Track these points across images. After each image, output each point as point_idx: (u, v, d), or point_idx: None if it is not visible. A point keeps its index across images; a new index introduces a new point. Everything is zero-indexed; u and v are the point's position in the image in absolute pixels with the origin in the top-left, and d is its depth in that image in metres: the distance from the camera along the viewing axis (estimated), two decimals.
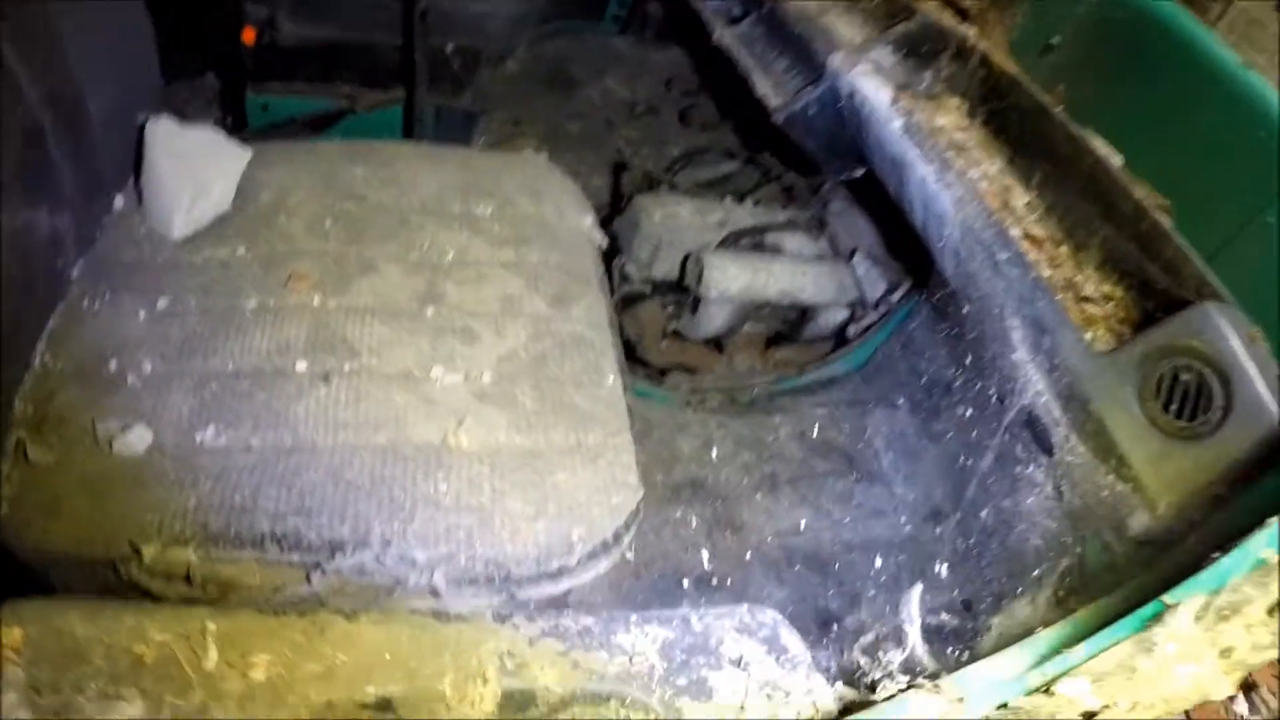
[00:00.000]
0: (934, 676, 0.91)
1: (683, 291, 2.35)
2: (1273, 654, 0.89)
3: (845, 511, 2.05)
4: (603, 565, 1.37)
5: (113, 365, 1.41)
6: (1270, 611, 0.89)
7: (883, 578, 1.89)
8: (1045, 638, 0.98)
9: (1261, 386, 1.26)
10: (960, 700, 0.86)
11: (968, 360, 1.81)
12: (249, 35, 2.36)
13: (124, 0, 1.68)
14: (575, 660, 0.91)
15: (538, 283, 1.69)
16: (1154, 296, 1.45)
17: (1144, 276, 1.48)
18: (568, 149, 3.02)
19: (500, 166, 1.97)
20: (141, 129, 1.66)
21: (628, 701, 0.87)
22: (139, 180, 1.66)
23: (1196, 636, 0.88)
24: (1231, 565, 0.91)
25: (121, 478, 1.27)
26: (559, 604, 1.37)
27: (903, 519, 2.00)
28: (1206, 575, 0.91)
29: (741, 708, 0.89)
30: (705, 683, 0.92)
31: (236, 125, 2.56)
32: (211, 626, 0.85)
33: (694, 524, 2.01)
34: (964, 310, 1.76)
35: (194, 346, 1.45)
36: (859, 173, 2.04)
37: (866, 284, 2.32)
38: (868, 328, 2.30)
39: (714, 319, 2.33)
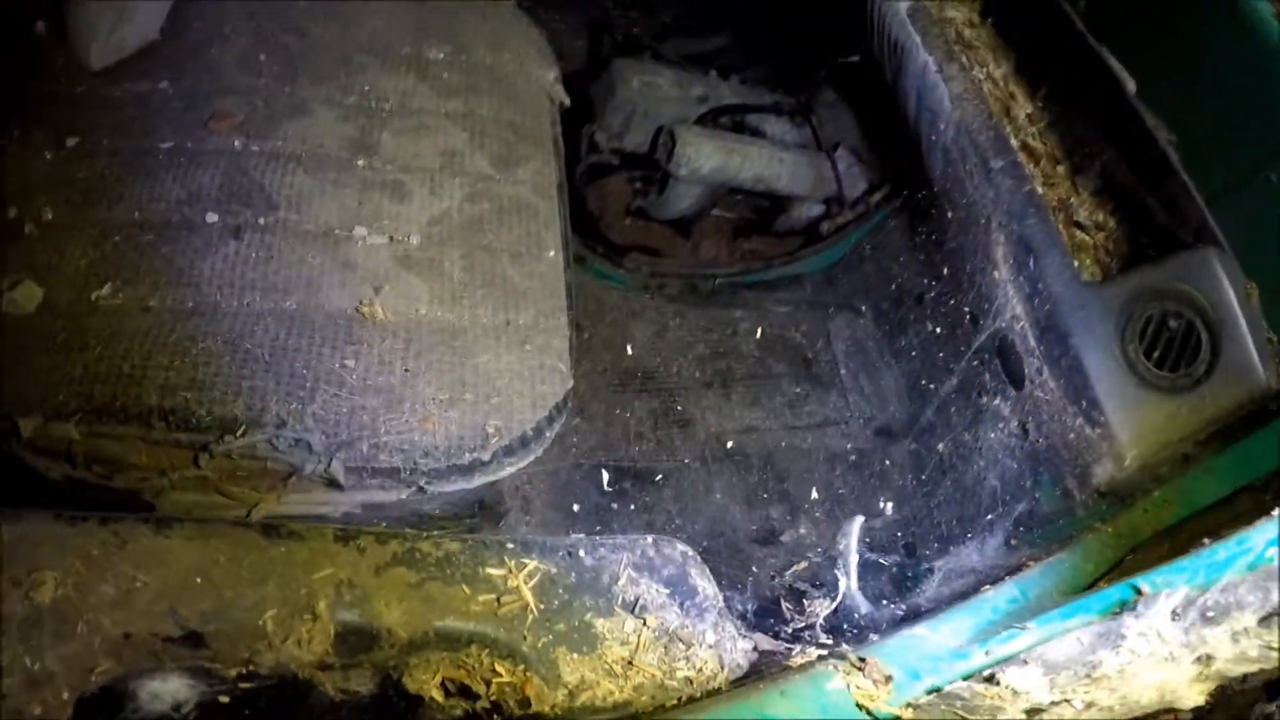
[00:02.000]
0: (860, 637, 0.81)
1: (653, 167, 2.19)
2: (1259, 668, 0.77)
3: (797, 417, 1.96)
4: (520, 461, 1.27)
5: (11, 211, 1.28)
6: (1264, 621, 0.78)
7: (828, 493, 1.81)
8: (991, 600, 0.89)
9: (1251, 345, 1.19)
10: (887, 680, 0.76)
11: (944, 272, 1.71)
12: None
13: None
14: (429, 595, 0.79)
15: (483, 139, 1.54)
16: (1150, 233, 1.35)
17: (1142, 210, 1.38)
18: (548, 3, 2.81)
19: (460, 7, 1.79)
20: None
21: (491, 647, 0.76)
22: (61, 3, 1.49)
23: (1173, 636, 0.78)
24: (1227, 559, 0.80)
25: (5, 339, 1.16)
26: (471, 503, 1.27)
27: (855, 433, 1.91)
28: (1192, 564, 0.81)
29: (630, 662, 0.78)
30: (590, 630, 0.81)
31: None
32: None
33: (640, 415, 1.91)
34: (948, 216, 1.65)
35: (99, 192, 1.33)
36: (855, 58, 1.88)
37: (846, 181, 2.17)
38: (842, 226, 2.17)
39: (682, 199, 2.19)
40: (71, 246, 1.26)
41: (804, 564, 1.62)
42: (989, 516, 1.44)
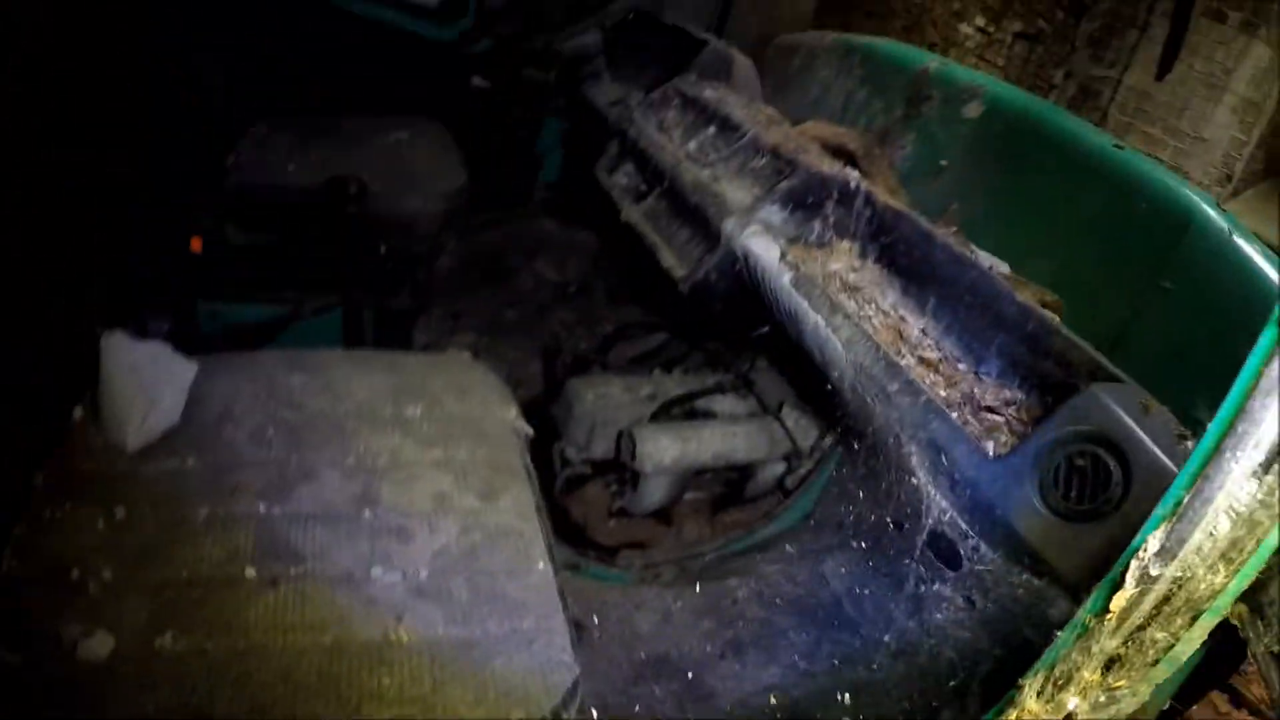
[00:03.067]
0: None
1: (622, 469, 2.37)
2: (1114, 709, 0.90)
3: (813, 663, 2.02)
4: None
5: (74, 572, 1.44)
6: (1101, 670, 0.90)
7: None
8: None
9: (1159, 452, 1.27)
10: None
11: (881, 492, 1.84)
12: (196, 244, 2.47)
13: (81, 220, 1.77)
14: None
15: (466, 478, 1.74)
16: (1051, 391, 1.47)
17: (1040, 374, 1.51)
18: (505, 337, 3.12)
19: (427, 367, 2.04)
20: (97, 343, 1.72)
21: None
22: (95, 393, 1.72)
23: (1039, 712, 0.91)
24: (1063, 639, 0.94)
25: (81, 684, 1.30)
26: None
27: (875, 660, 1.96)
28: (1048, 653, 0.95)
29: None
30: None
31: (188, 332, 2.64)
32: None
33: (664, 699, 1.98)
34: (867, 444, 1.80)
35: (150, 556, 1.49)
36: (767, 329, 2.11)
37: (798, 434, 2.36)
38: (805, 477, 2.33)
39: (655, 492, 2.35)
40: (131, 601, 1.41)
41: None
42: (951, 683, 1.51)
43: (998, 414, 1.48)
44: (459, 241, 3.35)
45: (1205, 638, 0.87)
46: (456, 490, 1.71)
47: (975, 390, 1.53)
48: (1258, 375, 0.79)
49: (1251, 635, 0.87)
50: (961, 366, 1.61)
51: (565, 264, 3.58)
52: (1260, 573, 0.82)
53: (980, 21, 8.41)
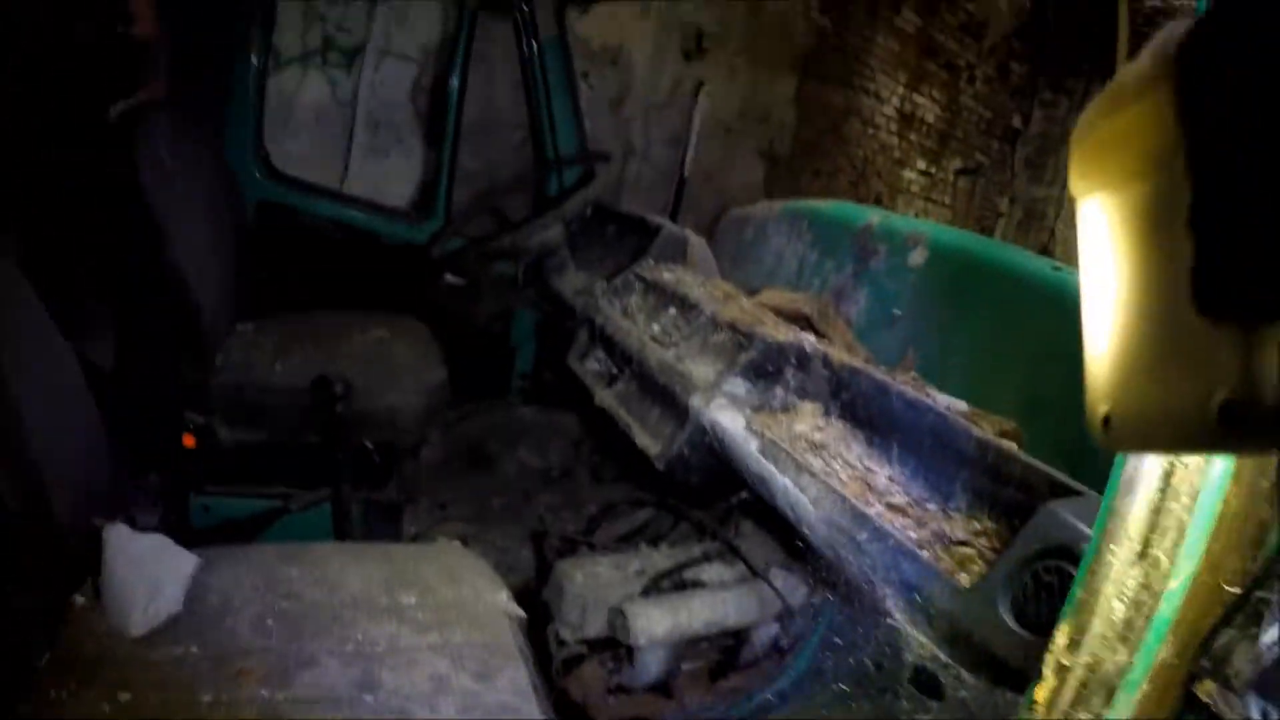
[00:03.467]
0: None
1: (617, 645, 2.38)
2: None
3: None
4: None
5: None
6: None
7: None
8: None
9: None
10: None
11: (858, 635, 1.87)
12: (189, 441, 2.54)
13: (85, 413, 1.85)
14: None
15: (463, 661, 1.77)
16: (1017, 514, 1.52)
17: (1004, 501, 1.57)
18: (493, 525, 3.17)
19: (419, 557, 2.10)
20: (99, 534, 1.77)
21: None
22: (97, 580, 1.75)
23: None
24: None
25: None
26: None
27: None
28: None
29: None
30: None
31: (180, 525, 2.69)
32: None
33: None
34: (841, 593, 1.85)
35: None
36: (744, 495, 2.18)
37: (788, 593, 2.39)
38: (800, 635, 2.36)
39: (652, 665, 2.36)
40: None
41: None
42: None
43: (969, 546, 1.53)
44: (441, 433, 3.45)
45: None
46: (454, 672, 1.74)
47: (945, 527, 1.59)
48: (1120, 476, 0.96)
49: (1224, 709, 0.94)
50: (931, 506, 1.67)
51: (546, 449, 3.67)
52: (1219, 647, 0.92)
53: (921, 165, 8.92)
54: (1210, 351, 0.40)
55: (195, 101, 3.32)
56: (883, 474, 1.78)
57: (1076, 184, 0.52)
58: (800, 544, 1.81)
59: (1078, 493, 1.45)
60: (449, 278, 3.56)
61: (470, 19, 3.79)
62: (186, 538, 1.93)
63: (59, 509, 1.70)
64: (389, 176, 4.89)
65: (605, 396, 2.48)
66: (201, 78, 3.37)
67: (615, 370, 2.57)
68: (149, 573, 1.78)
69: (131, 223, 2.39)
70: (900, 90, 8.28)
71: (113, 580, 1.76)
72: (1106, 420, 0.51)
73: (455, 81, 3.90)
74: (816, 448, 1.83)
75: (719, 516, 2.75)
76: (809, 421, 1.92)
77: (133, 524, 1.88)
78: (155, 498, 2.92)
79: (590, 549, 2.79)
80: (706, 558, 2.58)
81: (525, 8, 3.77)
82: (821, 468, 1.75)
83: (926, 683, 1.56)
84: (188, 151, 2.63)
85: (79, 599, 1.79)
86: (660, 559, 2.58)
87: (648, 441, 2.23)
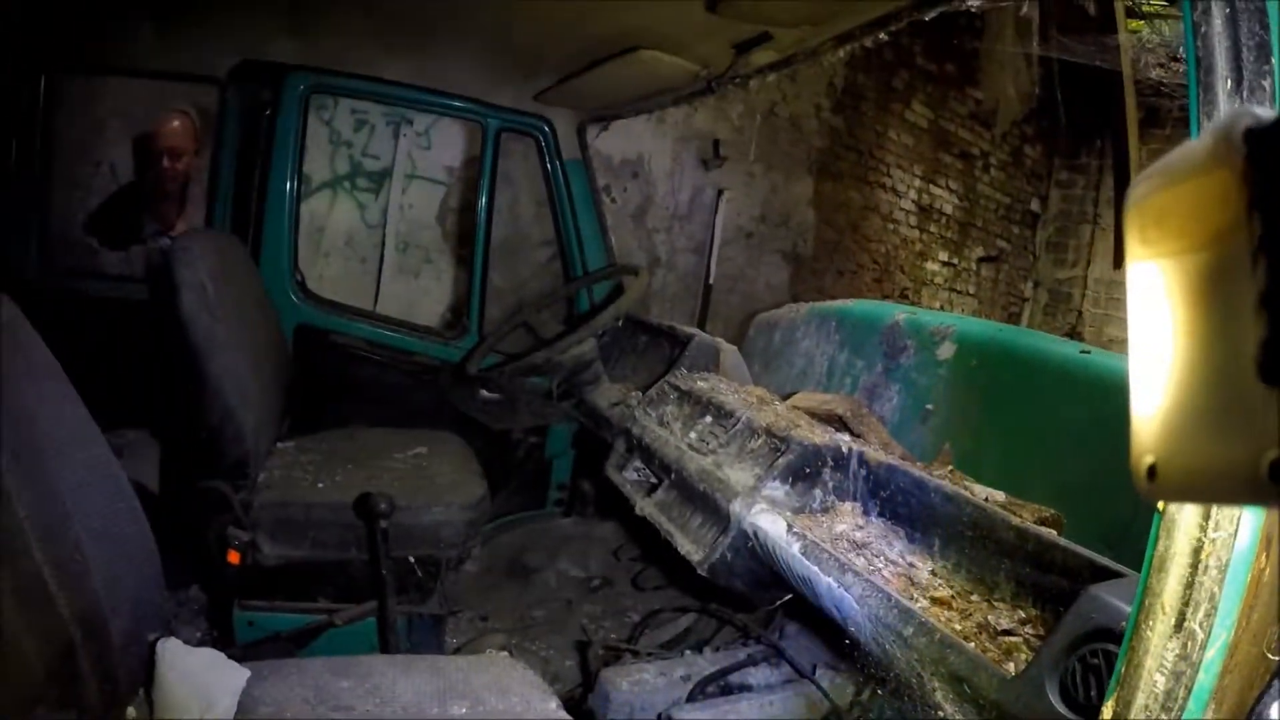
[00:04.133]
0: None
1: None
2: None
3: None
4: None
5: None
6: None
7: None
8: None
9: None
10: None
11: None
12: (234, 557, 2.59)
13: (139, 534, 1.90)
14: None
15: None
16: (1060, 601, 1.54)
17: (1047, 588, 1.59)
18: (536, 636, 3.19)
19: (468, 668, 2.12)
20: (152, 647, 1.81)
21: None
22: (149, 693, 1.78)
23: None
24: None
25: None
26: None
27: None
28: None
29: None
30: None
31: (224, 639, 2.73)
32: None
33: None
34: (890, 689, 1.84)
35: None
36: (789, 596, 2.20)
37: (834, 693, 2.39)
38: None
39: None
40: None
41: None
42: None
43: (1014, 635, 1.55)
44: (482, 546, 3.48)
45: None
46: None
47: (989, 618, 1.61)
48: (1153, 555, 1.02)
49: None
50: (974, 598, 1.70)
51: (586, 559, 3.71)
52: (1266, 712, 0.99)
53: (944, 256, 9.00)
54: (1265, 413, 0.43)
55: (232, 228, 3.48)
56: (925, 569, 1.80)
57: (1134, 249, 0.55)
58: (847, 643, 1.81)
59: (1119, 574, 1.47)
60: (484, 393, 3.64)
61: (494, 140, 3.94)
62: (231, 652, 1.98)
63: (115, 624, 1.75)
64: (420, 295, 5.05)
65: (645, 505, 2.52)
66: (236, 205, 3.53)
67: (654, 479, 2.61)
68: (201, 686, 1.83)
69: (173, 348, 2.48)
70: (917, 183, 8.44)
71: (166, 693, 1.80)
72: (1151, 470, 0.54)
73: (484, 200, 4.03)
74: (859, 546, 1.86)
75: (763, 619, 2.76)
76: (849, 521, 1.96)
77: (176, 637, 1.94)
78: (197, 610, 2.97)
79: (635, 656, 2.79)
80: (752, 661, 2.59)
81: (547, 129, 3.92)
82: (864, 566, 1.77)
83: None
84: (227, 277, 2.74)
85: (132, 712, 1.82)
86: (705, 664, 2.59)
87: (690, 548, 2.26)
